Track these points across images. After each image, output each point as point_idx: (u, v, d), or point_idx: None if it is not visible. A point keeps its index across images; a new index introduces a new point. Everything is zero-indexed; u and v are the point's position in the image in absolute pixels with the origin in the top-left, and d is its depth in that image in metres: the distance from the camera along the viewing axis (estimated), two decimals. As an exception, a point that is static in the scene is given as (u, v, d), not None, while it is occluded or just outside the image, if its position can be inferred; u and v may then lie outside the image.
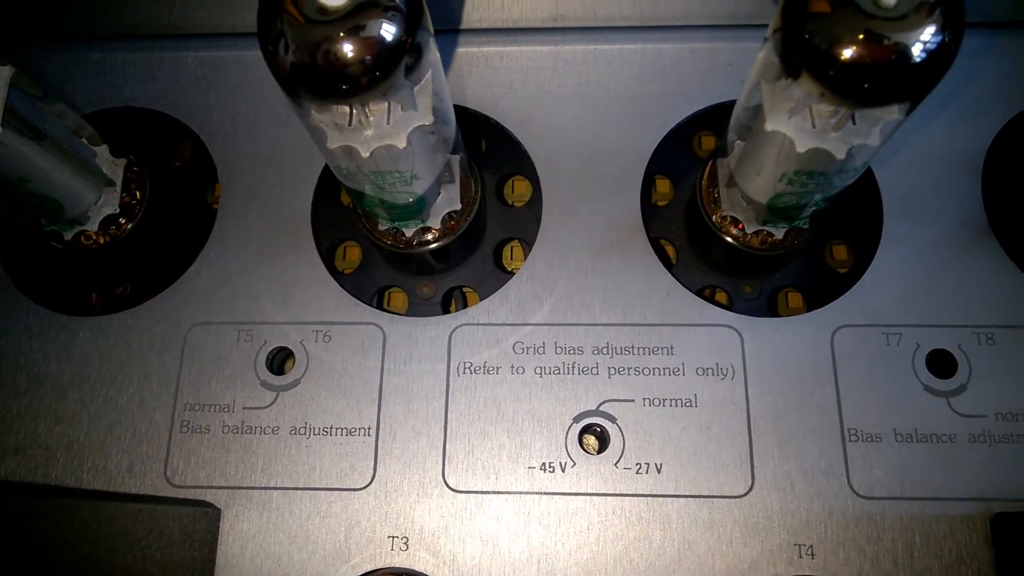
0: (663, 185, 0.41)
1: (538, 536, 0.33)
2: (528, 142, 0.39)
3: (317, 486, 0.34)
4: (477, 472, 0.34)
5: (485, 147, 0.41)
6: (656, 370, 0.35)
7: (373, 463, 0.34)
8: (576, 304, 0.36)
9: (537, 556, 0.32)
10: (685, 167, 0.39)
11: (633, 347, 0.35)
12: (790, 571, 0.32)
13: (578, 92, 0.39)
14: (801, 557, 0.32)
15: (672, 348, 0.35)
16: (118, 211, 0.36)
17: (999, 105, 0.38)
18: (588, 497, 0.33)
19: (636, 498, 0.33)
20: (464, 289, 0.39)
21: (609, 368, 0.35)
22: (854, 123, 0.26)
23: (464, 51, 0.40)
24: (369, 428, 0.34)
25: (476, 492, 0.33)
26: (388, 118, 0.27)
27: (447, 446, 0.34)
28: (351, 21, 0.23)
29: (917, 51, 0.22)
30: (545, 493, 0.33)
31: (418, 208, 0.32)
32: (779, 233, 0.34)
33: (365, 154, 0.27)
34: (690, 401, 0.34)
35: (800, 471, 0.33)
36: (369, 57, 0.24)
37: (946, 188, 0.37)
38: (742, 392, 0.34)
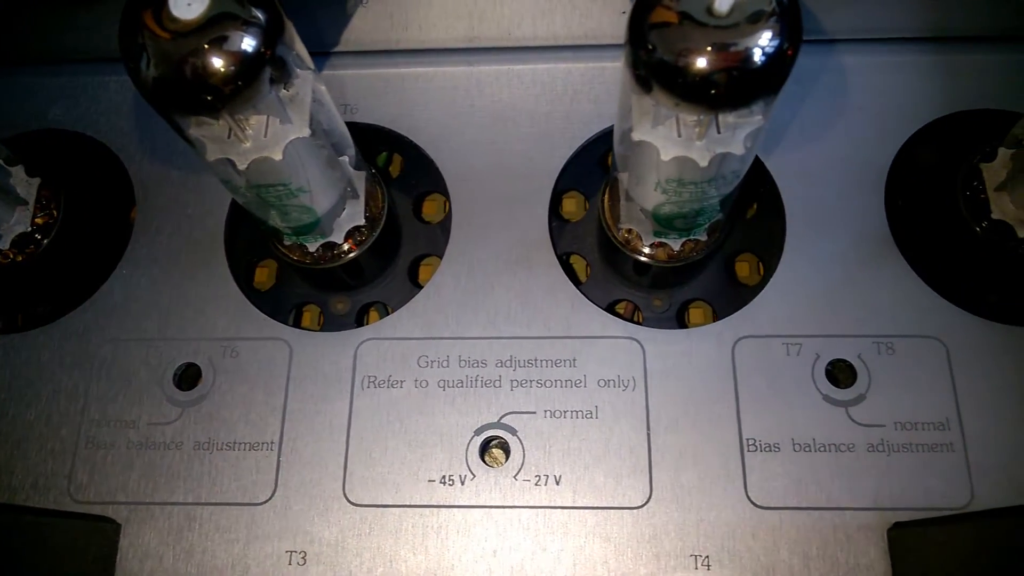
0: (574, 202, 0.41)
1: (435, 549, 0.33)
2: (440, 160, 0.39)
3: (218, 501, 0.34)
4: (377, 486, 0.34)
5: (402, 166, 0.42)
6: (558, 382, 0.35)
7: (275, 477, 0.34)
8: (481, 318, 0.36)
9: (434, 569, 0.32)
10: (596, 183, 0.40)
11: (536, 360, 0.35)
12: (686, 582, 0.31)
13: (491, 111, 0.40)
14: (697, 568, 0.32)
15: (575, 360, 0.35)
16: (30, 229, 0.36)
17: (904, 119, 0.38)
18: (486, 509, 0.33)
19: (534, 510, 0.33)
20: (378, 305, 0.39)
21: (512, 381, 0.35)
22: (719, 131, 0.27)
23: (381, 72, 0.41)
24: (272, 443, 0.34)
25: (376, 506, 0.33)
26: (265, 131, 0.28)
27: (348, 460, 0.34)
28: (208, 34, 0.24)
29: (754, 57, 0.23)
30: (444, 506, 0.33)
31: (314, 222, 0.32)
32: (675, 244, 0.34)
33: (242, 166, 0.27)
34: (591, 412, 0.34)
35: (698, 481, 0.33)
36: (226, 69, 0.24)
37: (850, 200, 0.37)
38: (642, 403, 0.34)
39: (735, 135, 0.27)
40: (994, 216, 0.34)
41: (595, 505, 0.33)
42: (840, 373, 0.35)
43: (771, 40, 0.23)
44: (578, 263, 0.40)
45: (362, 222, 0.35)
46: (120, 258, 0.38)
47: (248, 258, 0.40)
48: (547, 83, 0.40)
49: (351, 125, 0.37)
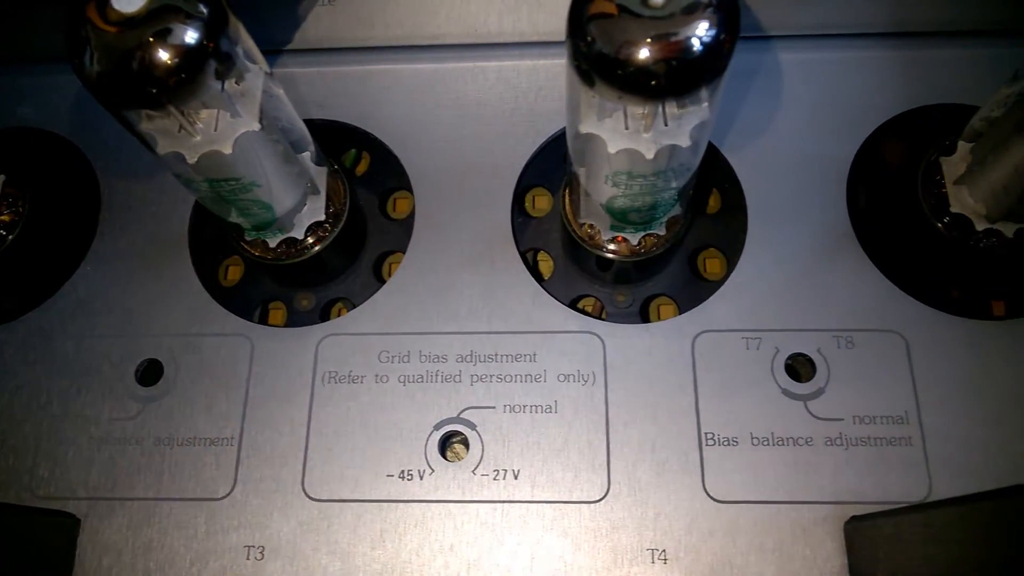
0: (541, 199, 0.41)
1: (393, 544, 0.33)
2: (405, 157, 0.39)
3: (177, 496, 0.34)
4: (336, 481, 0.34)
5: (369, 163, 0.42)
6: (518, 377, 0.35)
7: (234, 473, 0.34)
8: (443, 314, 0.36)
9: (392, 564, 0.32)
10: (561, 179, 0.40)
11: (496, 355, 0.35)
12: (645, 574, 0.31)
13: (456, 108, 0.40)
14: (654, 562, 0.32)
15: (535, 355, 0.35)
16: (-7, 226, 0.36)
17: (867, 114, 0.38)
18: (445, 504, 0.33)
19: (492, 504, 0.33)
20: (344, 302, 0.40)
21: (472, 376, 0.35)
22: (665, 124, 0.27)
23: (349, 69, 0.41)
24: (232, 438, 0.34)
25: (334, 501, 0.33)
26: (216, 125, 0.28)
27: (308, 455, 0.34)
28: (151, 27, 0.24)
29: (690, 47, 0.23)
30: (402, 501, 0.33)
31: (271, 218, 0.33)
32: (634, 239, 0.34)
33: (191, 160, 0.28)
34: (550, 407, 0.34)
35: (656, 476, 0.33)
36: (169, 61, 0.24)
37: (812, 195, 0.37)
38: (602, 398, 0.34)
39: (681, 127, 0.27)
40: (953, 210, 0.34)
41: (553, 499, 0.33)
42: (800, 367, 0.35)
43: (708, 30, 0.23)
44: (544, 259, 0.40)
45: (323, 217, 0.35)
46: (85, 255, 0.38)
47: (214, 255, 0.40)
48: (512, 80, 0.40)
49: (318, 122, 0.37)
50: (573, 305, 0.38)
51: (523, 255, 0.38)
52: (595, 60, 0.24)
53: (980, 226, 0.33)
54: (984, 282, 0.37)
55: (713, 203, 0.40)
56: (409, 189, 0.40)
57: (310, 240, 0.36)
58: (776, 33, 0.39)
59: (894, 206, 0.37)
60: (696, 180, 0.34)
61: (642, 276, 0.38)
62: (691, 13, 0.23)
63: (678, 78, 0.23)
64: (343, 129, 0.40)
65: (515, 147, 0.39)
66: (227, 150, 0.28)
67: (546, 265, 0.40)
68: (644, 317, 0.38)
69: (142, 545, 0.33)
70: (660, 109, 0.27)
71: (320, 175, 0.36)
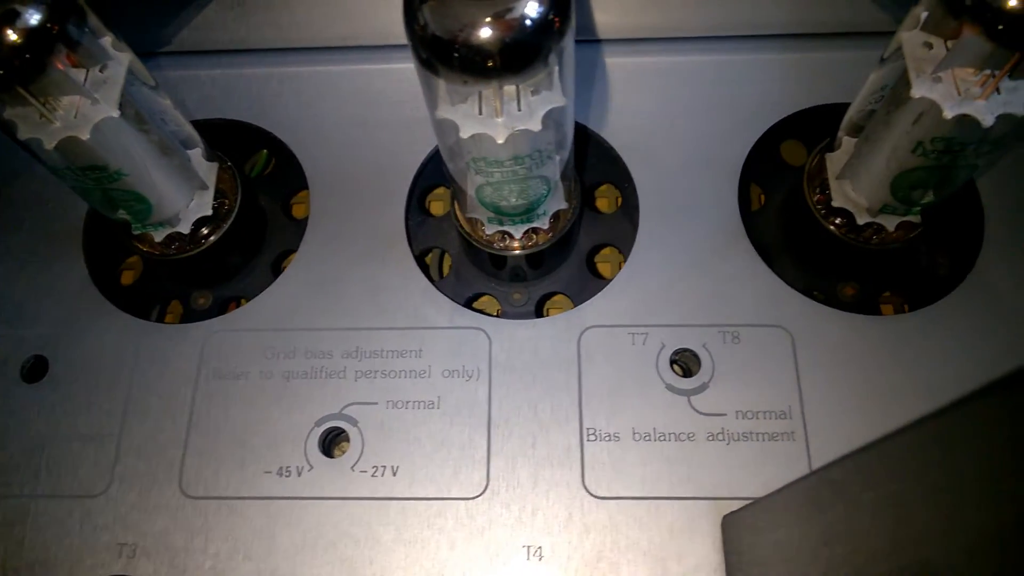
0: (441, 199, 0.41)
1: (269, 541, 0.32)
2: (304, 157, 0.39)
3: (53, 493, 0.33)
4: (213, 478, 0.33)
5: (274, 164, 0.42)
6: (402, 373, 0.34)
7: (111, 469, 0.33)
8: (331, 310, 0.36)
9: (266, 561, 0.32)
10: (460, 179, 0.40)
11: (382, 351, 0.35)
12: (520, 571, 0.31)
13: (357, 110, 0.40)
14: (529, 559, 0.31)
15: (421, 351, 0.35)
16: None
17: (761, 114, 0.39)
18: (322, 501, 0.33)
19: (369, 501, 0.32)
20: (240, 300, 0.39)
21: (356, 372, 0.35)
22: (519, 108, 0.27)
23: (252, 71, 0.41)
24: (111, 435, 0.34)
25: (210, 498, 0.33)
26: (76, 112, 0.28)
27: (186, 452, 0.34)
28: (-9, 8, 0.24)
29: (518, 25, 0.23)
30: (279, 498, 0.33)
31: (146, 209, 0.32)
32: (516, 232, 0.34)
33: (48, 146, 0.28)
34: (433, 403, 0.34)
35: (535, 472, 0.32)
36: (11, 42, 0.24)
37: (705, 193, 0.37)
38: (485, 394, 0.34)
39: (534, 112, 0.27)
40: (835, 204, 0.34)
41: (430, 496, 0.32)
42: (685, 362, 0.35)
43: (536, 9, 0.23)
44: (447, 258, 0.40)
45: (209, 212, 0.35)
46: (-22, 253, 0.38)
47: (112, 254, 0.40)
48: (413, 81, 0.41)
49: (220, 122, 0.37)
50: (469, 303, 0.38)
51: (419, 254, 0.38)
52: (429, 44, 0.24)
53: (862, 220, 0.33)
54: (869, 277, 0.37)
55: (613, 202, 0.40)
56: (307, 188, 0.40)
57: (201, 234, 0.36)
58: (672, 35, 0.40)
59: (783, 203, 0.37)
60: (578, 174, 0.35)
61: (538, 274, 0.38)
62: (518, -8, 0.23)
63: (508, 57, 0.24)
64: (247, 129, 0.40)
65: (413, 148, 0.39)
66: (84, 136, 0.28)
67: (448, 264, 0.40)
68: (540, 315, 0.38)
69: (15, 543, 0.33)
70: (516, 93, 0.27)
71: (210, 171, 0.36)
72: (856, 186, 0.33)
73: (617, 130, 0.39)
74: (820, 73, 0.39)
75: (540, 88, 0.27)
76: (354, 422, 0.34)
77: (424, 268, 0.37)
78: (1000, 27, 0.24)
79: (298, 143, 0.39)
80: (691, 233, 0.36)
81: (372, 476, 0.33)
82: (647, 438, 0.33)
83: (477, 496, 0.32)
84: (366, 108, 0.40)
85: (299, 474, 0.33)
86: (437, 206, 0.41)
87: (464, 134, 0.27)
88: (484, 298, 0.39)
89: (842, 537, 0.18)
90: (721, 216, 0.37)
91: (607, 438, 0.33)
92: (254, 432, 0.34)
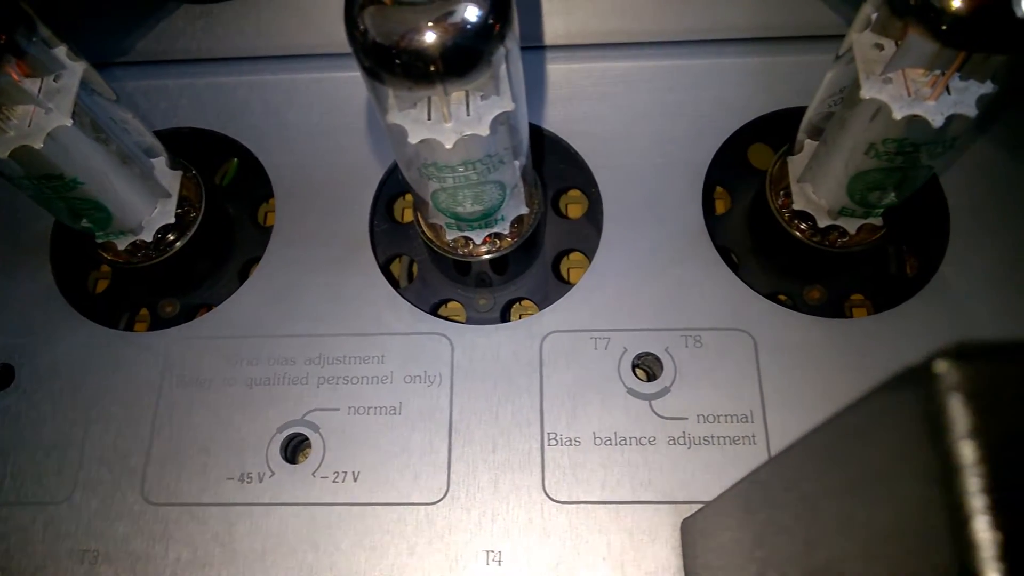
0: (405, 206, 0.41)
1: (229, 548, 0.32)
2: (270, 165, 0.39)
3: (17, 501, 0.33)
4: (175, 484, 0.33)
5: (241, 172, 0.42)
6: (365, 379, 0.34)
7: (75, 476, 0.33)
8: (294, 317, 0.36)
9: (227, 568, 0.32)
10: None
11: (345, 357, 0.35)
12: (475, 579, 0.31)
13: (322, 117, 0.40)
14: (489, 564, 0.31)
15: (383, 357, 0.35)
16: None
17: (726, 118, 0.39)
18: (283, 507, 0.33)
19: (330, 507, 0.32)
20: (207, 308, 0.39)
21: (319, 378, 0.35)
22: (468, 113, 0.27)
23: (220, 80, 0.41)
24: (76, 442, 0.34)
25: (172, 504, 0.33)
26: (30, 121, 0.28)
27: (150, 459, 0.34)
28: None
29: (455, 29, 0.23)
30: (240, 504, 0.33)
31: (106, 217, 0.33)
32: (477, 238, 0.34)
33: (3, 154, 0.28)
34: (395, 409, 0.34)
35: (496, 477, 0.32)
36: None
37: (669, 197, 0.37)
38: (447, 399, 0.34)
39: (483, 117, 0.27)
40: (796, 207, 0.34)
41: (391, 501, 0.32)
42: (647, 367, 0.35)
43: (477, 14, 0.23)
44: (410, 264, 0.40)
45: (172, 220, 0.35)
46: (-54, 261, 0.38)
47: (78, 262, 0.40)
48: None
49: (189, 130, 0.38)
50: (435, 309, 0.38)
51: (385, 260, 0.38)
52: (370, 51, 0.24)
53: (823, 223, 0.33)
54: (835, 280, 0.37)
55: (580, 207, 0.40)
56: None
57: (166, 242, 0.36)
58: (638, 40, 0.40)
59: (746, 207, 0.37)
60: (541, 179, 0.35)
61: (504, 280, 0.38)
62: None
63: (449, 62, 0.24)
64: (214, 138, 0.41)
65: (379, 155, 0.39)
66: (37, 144, 0.28)
67: (414, 271, 0.40)
68: (506, 321, 0.38)
69: (-23, 551, 0.33)
70: (465, 98, 0.27)
71: (174, 179, 0.36)
72: (816, 189, 0.33)
73: (582, 135, 0.39)
74: (788, 77, 0.39)
75: (489, 93, 0.27)
76: (316, 428, 0.34)
77: (389, 274, 0.37)
78: (944, 27, 0.24)
79: (264, 151, 0.40)
80: (654, 237, 0.36)
81: (333, 482, 0.33)
82: (608, 442, 0.33)
83: (437, 501, 0.32)
84: (333, 116, 0.40)
85: (260, 480, 0.33)
86: (404, 213, 0.41)
87: (413, 139, 0.27)
88: (450, 304, 0.39)
89: (769, 539, 0.18)
90: (685, 220, 0.37)
91: (568, 443, 0.33)
92: (217, 439, 0.34)
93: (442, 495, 0.32)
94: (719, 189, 0.40)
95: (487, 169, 0.29)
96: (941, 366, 0.11)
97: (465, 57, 0.24)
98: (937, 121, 0.26)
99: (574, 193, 0.41)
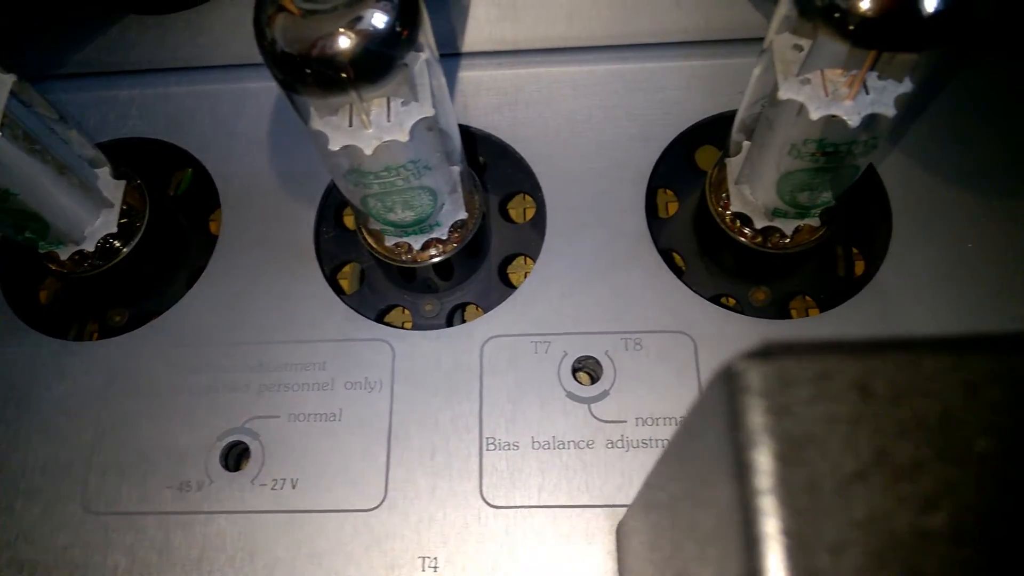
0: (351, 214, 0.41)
1: (165, 556, 0.32)
2: (216, 174, 0.39)
3: (-42, 512, 0.33)
4: (116, 494, 0.33)
5: (192, 182, 0.42)
6: (305, 386, 0.34)
7: (17, 486, 0.34)
8: (237, 325, 0.36)
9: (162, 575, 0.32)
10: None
11: (286, 364, 0.35)
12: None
13: (270, 125, 0.40)
14: (424, 570, 0.31)
15: (325, 364, 0.35)
16: None
17: (672, 121, 0.39)
18: (222, 515, 0.33)
19: (267, 514, 0.32)
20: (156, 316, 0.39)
21: (260, 385, 0.35)
22: (388, 119, 0.27)
23: (170, 90, 0.42)
24: (18, 451, 0.34)
25: (112, 513, 0.33)
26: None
27: (91, 468, 0.34)
28: None
29: (356, 39, 0.23)
30: (180, 512, 0.33)
31: (44, 226, 0.33)
32: (416, 243, 0.34)
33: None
34: (335, 415, 0.34)
35: (434, 482, 0.32)
36: None
37: (611, 201, 0.37)
38: (387, 405, 0.34)
39: (403, 123, 0.27)
40: (734, 209, 0.34)
41: (329, 508, 0.32)
42: (587, 370, 0.34)
43: (384, 21, 0.23)
44: (358, 271, 0.40)
45: (114, 230, 0.35)
46: None
47: (26, 273, 0.40)
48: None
49: (138, 140, 0.38)
50: (382, 315, 0.38)
51: (332, 268, 0.38)
52: (279, 62, 0.24)
53: (760, 224, 0.33)
54: (779, 281, 0.36)
55: (527, 212, 0.40)
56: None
57: (110, 252, 0.36)
58: (583, 44, 0.40)
59: (688, 209, 0.37)
60: (482, 183, 0.35)
61: (450, 286, 0.38)
62: (358, 5, 0.23)
63: (358, 69, 0.24)
64: (163, 148, 0.41)
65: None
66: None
67: (361, 278, 0.40)
68: (451, 326, 0.38)
69: (-84, 563, 0.33)
70: (386, 105, 0.27)
71: (117, 189, 0.36)
72: (753, 190, 0.33)
73: (528, 140, 0.39)
74: (735, 79, 0.39)
75: (409, 99, 0.27)
76: (256, 436, 0.34)
77: (335, 282, 0.37)
78: (851, 27, 0.24)
79: (212, 160, 0.40)
80: (597, 241, 0.36)
81: (272, 489, 0.33)
82: (546, 446, 0.33)
83: (375, 507, 0.32)
84: (281, 124, 0.40)
85: (199, 488, 0.33)
86: (351, 220, 0.41)
87: (333, 146, 0.27)
88: (397, 310, 0.39)
89: (658, 541, 0.18)
90: (628, 224, 0.37)
91: (506, 447, 0.33)
92: (158, 447, 0.34)
93: (379, 501, 0.32)
94: (667, 192, 0.40)
95: (412, 175, 0.29)
96: (739, 365, 0.11)
97: (374, 63, 0.24)
98: (854, 121, 0.26)
99: (520, 198, 0.41)
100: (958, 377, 0.10)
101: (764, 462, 0.10)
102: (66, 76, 0.42)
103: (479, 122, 0.39)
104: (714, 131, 0.39)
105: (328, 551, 0.32)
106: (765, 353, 0.11)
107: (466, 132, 0.39)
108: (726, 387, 0.11)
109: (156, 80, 0.42)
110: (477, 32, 0.41)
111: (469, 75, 0.40)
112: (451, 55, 0.41)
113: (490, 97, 0.40)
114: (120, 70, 0.42)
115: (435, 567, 0.31)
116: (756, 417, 0.10)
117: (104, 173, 0.36)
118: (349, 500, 0.32)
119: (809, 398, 0.10)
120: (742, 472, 0.10)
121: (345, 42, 0.23)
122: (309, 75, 0.24)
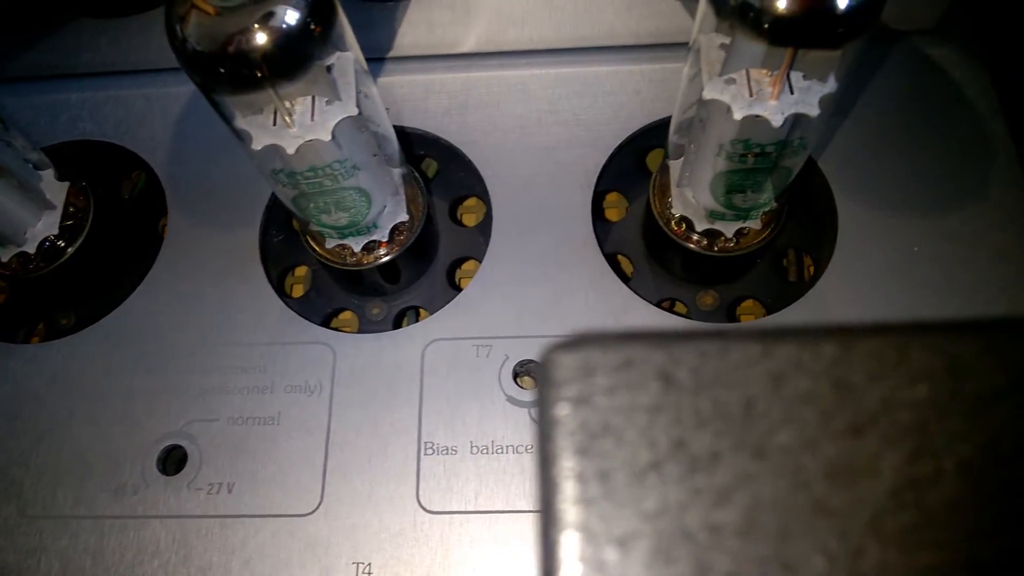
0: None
1: (97, 560, 0.32)
2: (164, 176, 0.39)
3: None
4: (52, 497, 0.33)
5: (144, 184, 0.42)
6: (245, 389, 0.34)
7: (-48, 490, 0.33)
8: (179, 327, 0.36)
9: (96, 582, 0.31)
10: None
11: (227, 367, 0.35)
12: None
13: (218, 128, 0.40)
14: (358, 576, 0.31)
15: (265, 367, 0.35)
16: None
17: (620, 125, 0.38)
18: (156, 519, 0.32)
19: (202, 519, 0.32)
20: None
21: (200, 388, 0.34)
22: (312, 119, 0.27)
23: (121, 93, 0.41)
24: (-45, 455, 0.34)
25: (47, 517, 0.33)
26: None
27: (29, 471, 0.33)
28: None
29: (267, 35, 0.23)
30: (113, 516, 0.32)
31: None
32: (356, 245, 0.34)
33: None
34: (273, 419, 0.34)
35: (370, 487, 0.32)
36: None
37: (558, 204, 0.37)
38: (326, 409, 0.34)
39: (326, 123, 0.27)
40: (676, 212, 0.34)
41: (264, 513, 0.32)
42: (530, 374, 0.34)
43: (296, 18, 0.23)
44: (306, 274, 0.40)
45: (55, 232, 0.35)
46: None
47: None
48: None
49: (88, 142, 0.38)
50: (329, 319, 0.38)
51: (279, 271, 0.38)
52: (191, 61, 0.24)
53: (700, 226, 0.33)
54: (726, 284, 0.36)
55: (476, 216, 0.40)
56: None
57: (53, 253, 0.36)
58: (533, 48, 0.40)
59: (636, 213, 0.36)
60: (425, 185, 0.35)
61: (397, 289, 0.38)
62: (270, 1, 0.23)
63: (270, 67, 0.24)
64: (112, 150, 0.41)
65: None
66: None
67: (309, 281, 0.40)
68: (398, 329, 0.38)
69: None
70: (311, 104, 0.27)
71: (60, 191, 0.36)
72: (696, 194, 0.33)
73: (477, 144, 0.39)
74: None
75: (333, 99, 0.27)
76: (193, 439, 0.33)
77: (280, 285, 0.37)
78: (766, 25, 0.24)
79: (160, 163, 0.40)
80: (542, 245, 0.36)
81: (208, 494, 0.33)
82: (484, 451, 0.32)
83: (310, 512, 0.32)
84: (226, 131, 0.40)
85: (135, 492, 0.33)
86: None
87: (256, 145, 0.27)
88: (343, 314, 0.39)
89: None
90: (574, 227, 0.36)
91: (444, 451, 0.32)
92: (96, 451, 0.34)
93: (315, 506, 0.32)
94: (616, 196, 0.40)
95: (340, 175, 0.28)
96: (545, 356, 0.10)
97: (286, 59, 0.24)
98: (776, 120, 0.26)
99: (471, 202, 0.41)
100: (763, 368, 0.10)
101: (560, 454, 0.10)
102: (17, 79, 0.42)
103: (429, 125, 0.39)
104: (664, 134, 0.38)
105: (262, 556, 0.31)
106: (576, 343, 0.10)
107: (416, 135, 0.39)
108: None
109: (108, 83, 0.42)
110: (429, 35, 0.41)
111: (420, 78, 0.40)
112: (403, 58, 0.41)
113: (440, 100, 0.40)
114: (72, 73, 0.42)
115: (368, 573, 0.31)
116: (555, 408, 0.10)
117: (48, 175, 0.36)
118: (285, 505, 0.32)
119: (609, 388, 0.10)
120: (544, 464, 0.10)
121: (258, 38, 0.23)
122: (223, 73, 0.24)
